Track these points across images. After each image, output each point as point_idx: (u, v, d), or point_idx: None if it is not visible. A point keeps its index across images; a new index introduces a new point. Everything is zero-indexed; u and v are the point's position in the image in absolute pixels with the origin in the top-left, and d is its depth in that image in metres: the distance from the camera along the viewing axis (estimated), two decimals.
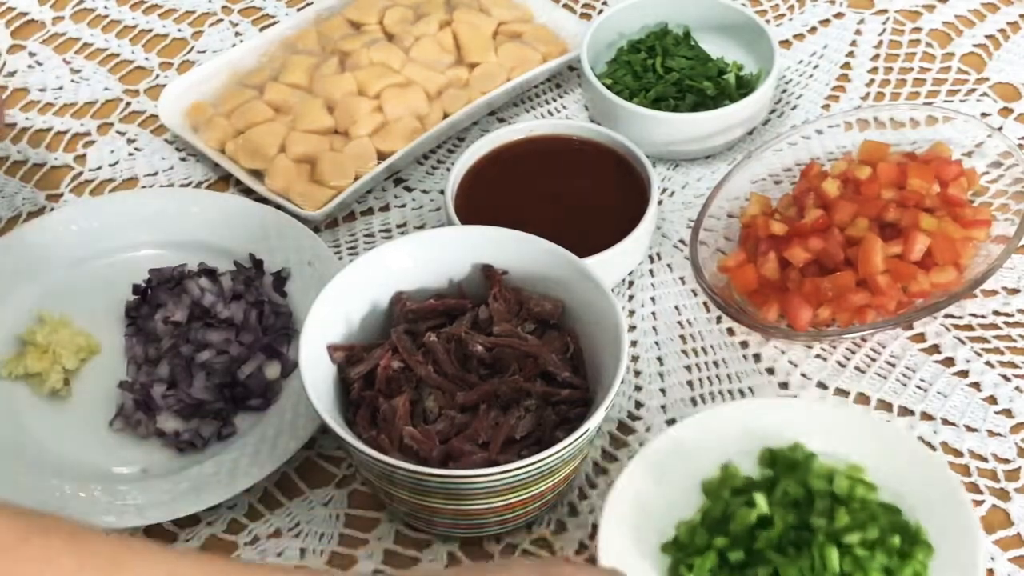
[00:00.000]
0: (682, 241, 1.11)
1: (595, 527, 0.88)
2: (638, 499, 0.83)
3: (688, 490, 0.84)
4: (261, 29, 1.31)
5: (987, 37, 1.27)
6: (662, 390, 1.01)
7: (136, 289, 1.04)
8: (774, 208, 1.07)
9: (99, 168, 1.19)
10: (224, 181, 1.17)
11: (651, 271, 1.09)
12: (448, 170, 1.10)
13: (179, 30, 1.32)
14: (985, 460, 0.96)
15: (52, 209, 1.15)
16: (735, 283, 1.03)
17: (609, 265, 1.01)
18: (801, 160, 1.11)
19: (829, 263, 1.01)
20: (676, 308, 1.07)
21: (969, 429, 0.97)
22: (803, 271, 1.01)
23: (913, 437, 0.93)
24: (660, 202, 1.13)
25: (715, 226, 1.07)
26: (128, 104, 1.25)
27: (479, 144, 1.09)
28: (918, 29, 1.28)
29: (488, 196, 1.06)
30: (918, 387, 1.00)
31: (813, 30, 1.30)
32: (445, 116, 1.17)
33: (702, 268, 1.02)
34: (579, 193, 1.07)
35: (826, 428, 0.85)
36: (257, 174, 1.14)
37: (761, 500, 0.79)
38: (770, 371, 1.02)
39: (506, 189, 1.07)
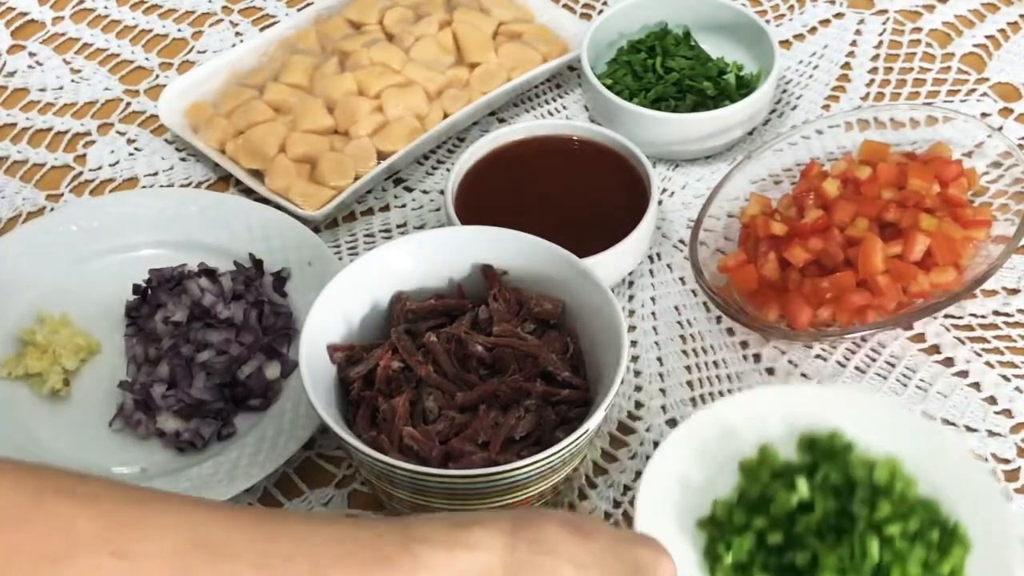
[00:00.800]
0: (682, 241, 1.11)
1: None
2: (675, 472, 0.84)
3: (725, 468, 0.84)
4: (261, 29, 1.31)
5: (987, 37, 1.27)
6: (662, 390, 1.01)
7: (136, 289, 1.04)
8: (774, 208, 1.07)
9: (99, 168, 1.19)
10: (224, 181, 1.17)
11: (651, 271, 1.09)
12: (448, 170, 1.10)
13: (179, 30, 1.32)
14: (985, 460, 0.96)
15: (52, 209, 1.15)
16: (735, 283, 1.03)
17: (609, 265, 1.01)
18: (801, 160, 1.11)
19: (829, 263, 1.00)
20: (676, 308, 1.07)
21: (969, 429, 0.97)
22: (803, 271, 1.01)
23: (952, 436, 0.94)
24: (660, 202, 1.13)
25: (715, 226, 1.07)
26: (128, 104, 1.25)
27: (479, 144, 1.09)
28: (918, 29, 1.28)
29: (488, 196, 1.06)
30: (918, 387, 1.00)
31: (813, 30, 1.30)
32: (445, 116, 1.17)
33: (702, 268, 1.02)
34: (579, 193, 1.07)
35: (864, 418, 0.85)
36: (257, 174, 1.14)
37: (803, 484, 0.80)
38: (770, 371, 1.02)
39: (506, 189, 1.07)
